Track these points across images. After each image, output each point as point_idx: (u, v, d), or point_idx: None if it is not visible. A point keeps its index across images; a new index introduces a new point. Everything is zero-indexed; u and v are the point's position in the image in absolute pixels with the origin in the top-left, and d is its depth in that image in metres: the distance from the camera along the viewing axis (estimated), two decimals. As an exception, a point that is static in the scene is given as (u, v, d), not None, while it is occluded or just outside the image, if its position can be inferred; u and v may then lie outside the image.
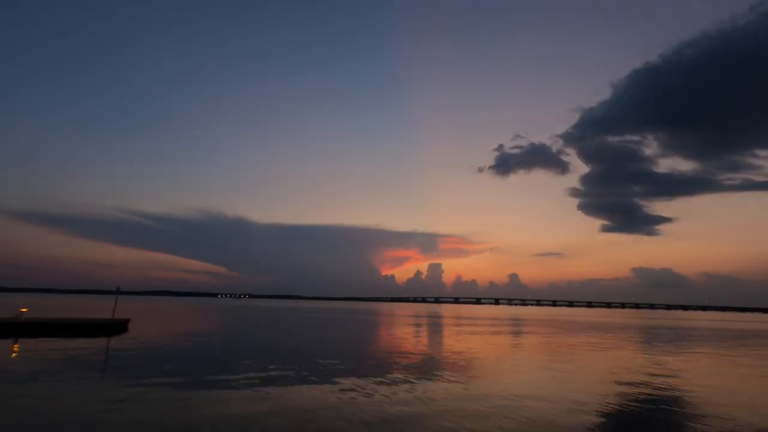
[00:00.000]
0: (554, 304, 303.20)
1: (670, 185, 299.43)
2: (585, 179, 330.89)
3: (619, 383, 10.85)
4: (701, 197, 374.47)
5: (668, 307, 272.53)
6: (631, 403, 8.57)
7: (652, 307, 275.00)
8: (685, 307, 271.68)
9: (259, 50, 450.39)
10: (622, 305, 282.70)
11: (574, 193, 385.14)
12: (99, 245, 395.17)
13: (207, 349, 15.99)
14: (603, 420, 7.26)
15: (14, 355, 13.77)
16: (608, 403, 8.50)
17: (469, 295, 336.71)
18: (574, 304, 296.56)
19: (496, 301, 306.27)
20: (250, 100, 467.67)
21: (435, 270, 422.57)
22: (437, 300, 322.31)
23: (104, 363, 12.29)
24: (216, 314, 45.74)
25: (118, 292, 26.76)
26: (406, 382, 10.36)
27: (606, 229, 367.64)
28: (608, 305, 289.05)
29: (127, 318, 25.48)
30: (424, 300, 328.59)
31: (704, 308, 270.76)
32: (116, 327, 22.72)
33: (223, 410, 7.31)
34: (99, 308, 45.45)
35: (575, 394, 9.29)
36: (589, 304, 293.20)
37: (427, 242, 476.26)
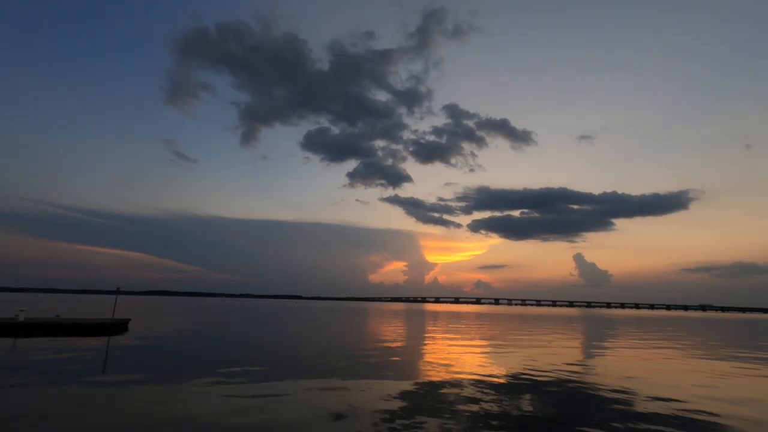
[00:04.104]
0: (553, 304, 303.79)
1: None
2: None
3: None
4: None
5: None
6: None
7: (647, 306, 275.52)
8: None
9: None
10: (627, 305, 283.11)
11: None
12: (80, 247, 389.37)
13: (206, 349, 15.94)
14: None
15: (14, 355, 13.72)
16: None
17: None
18: (574, 304, 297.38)
19: (496, 301, 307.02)
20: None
21: (425, 270, 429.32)
22: (437, 300, 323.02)
23: (104, 363, 12.24)
24: (215, 314, 45.68)
25: (118, 292, 26.74)
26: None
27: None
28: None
29: (128, 318, 25.45)
30: (424, 300, 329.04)
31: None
32: (116, 327, 22.67)
33: (222, 409, 7.29)
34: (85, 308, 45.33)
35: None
36: (589, 305, 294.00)
37: (414, 242, 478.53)
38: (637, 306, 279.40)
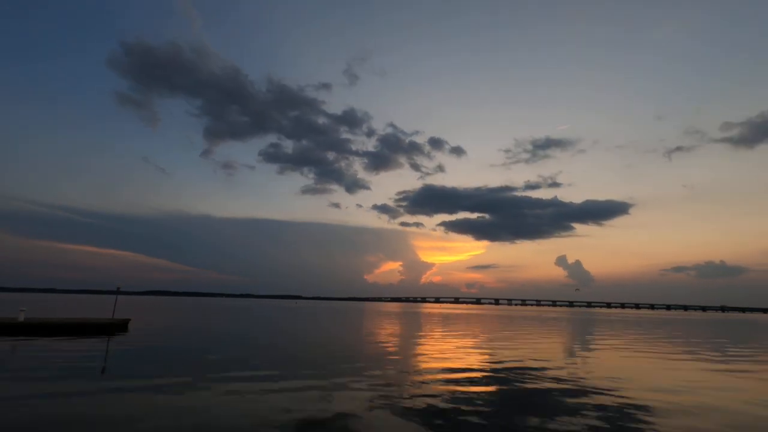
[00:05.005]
0: (554, 304, 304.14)
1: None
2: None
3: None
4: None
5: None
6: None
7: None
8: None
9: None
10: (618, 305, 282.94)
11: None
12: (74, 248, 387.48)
13: (207, 349, 15.90)
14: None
15: (14, 355, 13.69)
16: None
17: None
18: (574, 304, 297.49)
19: (496, 301, 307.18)
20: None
21: (419, 270, 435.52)
22: (437, 300, 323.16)
23: (104, 363, 12.21)
24: (215, 314, 45.68)
25: (118, 292, 26.73)
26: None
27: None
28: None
29: (128, 318, 25.41)
30: (424, 300, 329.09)
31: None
32: (116, 327, 22.63)
33: (221, 409, 7.27)
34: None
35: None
36: (589, 305, 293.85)
37: (406, 242, 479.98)
38: (637, 306, 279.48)
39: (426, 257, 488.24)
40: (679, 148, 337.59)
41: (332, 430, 6.45)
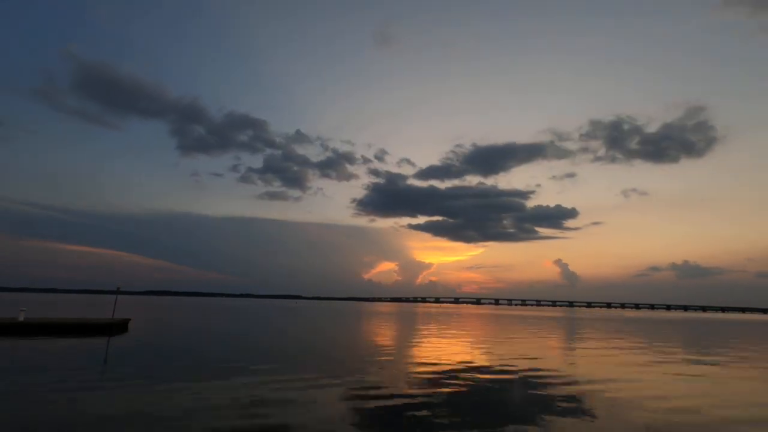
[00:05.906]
0: (554, 304, 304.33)
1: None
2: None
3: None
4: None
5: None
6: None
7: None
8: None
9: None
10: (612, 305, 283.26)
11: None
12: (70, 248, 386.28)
13: (206, 349, 15.97)
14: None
15: (14, 355, 13.75)
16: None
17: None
18: (574, 304, 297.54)
19: (496, 302, 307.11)
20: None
21: (414, 270, 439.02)
22: (437, 300, 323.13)
23: (104, 363, 12.28)
24: (215, 315, 45.73)
25: (118, 292, 26.79)
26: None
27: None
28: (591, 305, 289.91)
29: (128, 318, 25.48)
30: (424, 300, 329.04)
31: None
32: (116, 327, 22.69)
33: (221, 409, 7.32)
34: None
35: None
36: (589, 305, 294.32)
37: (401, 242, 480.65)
38: (637, 306, 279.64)
39: (421, 257, 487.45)
40: (613, 160, 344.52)
41: (314, 427, 6.53)
